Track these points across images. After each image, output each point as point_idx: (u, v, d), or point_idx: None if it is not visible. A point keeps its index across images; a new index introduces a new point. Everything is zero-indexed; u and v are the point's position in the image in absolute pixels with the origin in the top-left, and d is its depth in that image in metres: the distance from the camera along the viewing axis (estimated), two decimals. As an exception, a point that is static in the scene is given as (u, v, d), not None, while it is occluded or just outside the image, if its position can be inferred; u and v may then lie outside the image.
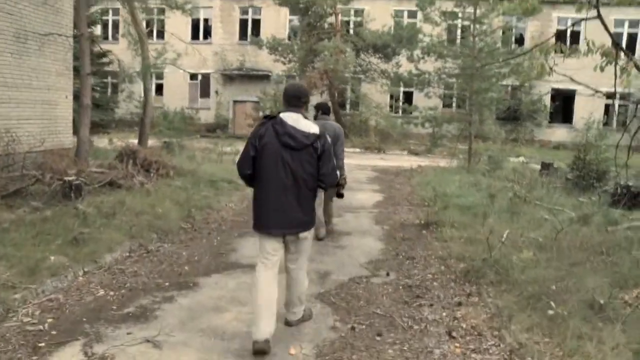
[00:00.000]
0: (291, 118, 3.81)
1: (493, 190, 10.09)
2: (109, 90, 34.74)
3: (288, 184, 3.77)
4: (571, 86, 31.44)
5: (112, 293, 4.77)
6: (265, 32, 29.55)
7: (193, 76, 32.97)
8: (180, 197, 8.86)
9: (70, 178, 8.16)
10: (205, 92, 33.42)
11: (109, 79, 34.16)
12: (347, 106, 30.67)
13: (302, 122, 3.82)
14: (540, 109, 30.44)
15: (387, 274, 5.58)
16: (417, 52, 15.76)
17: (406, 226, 8.18)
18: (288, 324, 4.17)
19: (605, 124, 31.21)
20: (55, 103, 10.61)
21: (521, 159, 15.31)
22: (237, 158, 4.04)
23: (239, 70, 31.89)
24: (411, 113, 15.53)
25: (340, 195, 6.12)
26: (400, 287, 5.20)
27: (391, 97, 30.19)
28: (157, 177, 10.46)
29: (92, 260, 5.46)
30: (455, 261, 5.99)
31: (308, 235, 4.01)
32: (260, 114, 28.09)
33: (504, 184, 11.14)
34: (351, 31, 27.99)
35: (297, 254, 4.02)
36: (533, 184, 10.72)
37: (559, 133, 31.21)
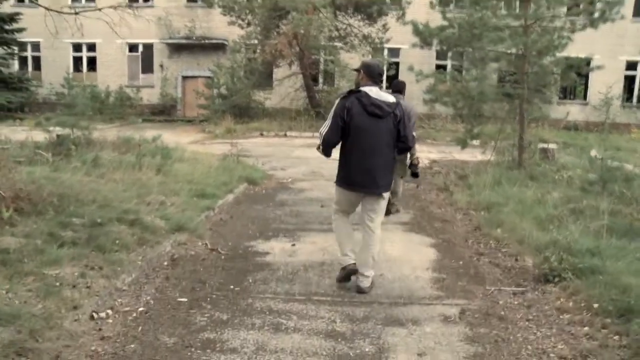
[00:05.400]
0: (372, 91, 4.26)
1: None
2: (30, 65, 28.34)
3: (375, 148, 4.25)
4: (585, 54, 26.80)
5: None
6: (218, -11, 23.66)
7: (132, 47, 26.96)
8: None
9: None
10: (147, 67, 27.50)
11: (29, 51, 27.82)
12: (320, 80, 25.04)
13: (382, 94, 4.31)
14: (550, 82, 25.30)
15: None
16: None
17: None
18: (361, 291, 4.41)
19: (627, 99, 26.66)
20: None
21: (593, 153, 10.29)
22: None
23: (187, 39, 26.26)
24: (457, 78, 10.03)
25: (416, 175, 6.56)
26: None
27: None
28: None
29: None
30: None
31: (387, 195, 4.49)
32: (215, 91, 22.40)
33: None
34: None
35: (375, 212, 4.47)
36: None
37: (572, 111, 26.25)
